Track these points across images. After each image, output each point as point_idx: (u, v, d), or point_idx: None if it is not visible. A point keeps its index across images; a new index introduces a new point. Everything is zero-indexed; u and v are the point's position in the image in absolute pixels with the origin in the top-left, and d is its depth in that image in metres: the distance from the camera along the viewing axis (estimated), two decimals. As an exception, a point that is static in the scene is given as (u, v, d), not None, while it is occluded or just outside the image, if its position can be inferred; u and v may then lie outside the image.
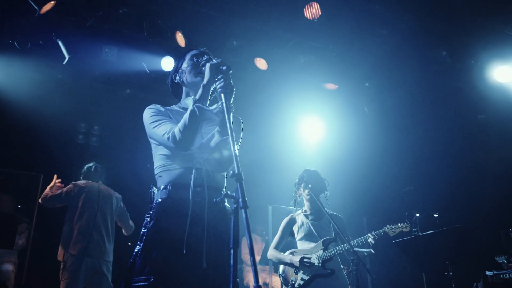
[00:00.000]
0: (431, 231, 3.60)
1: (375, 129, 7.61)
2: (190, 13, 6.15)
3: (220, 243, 2.43)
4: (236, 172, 1.98)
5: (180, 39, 6.20)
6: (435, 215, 4.25)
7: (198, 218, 2.38)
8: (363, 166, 7.66)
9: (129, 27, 5.99)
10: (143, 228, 2.40)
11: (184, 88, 2.75)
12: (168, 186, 2.44)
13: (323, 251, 4.26)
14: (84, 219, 5.05)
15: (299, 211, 4.61)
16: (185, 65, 2.73)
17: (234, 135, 2.10)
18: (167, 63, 6.51)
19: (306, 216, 4.53)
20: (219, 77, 2.37)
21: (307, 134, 7.87)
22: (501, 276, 3.65)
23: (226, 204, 2.58)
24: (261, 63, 6.63)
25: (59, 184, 5.23)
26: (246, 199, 1.93)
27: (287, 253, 4.45)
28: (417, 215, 4.21)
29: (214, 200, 2.25)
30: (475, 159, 6.98)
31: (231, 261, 1.89)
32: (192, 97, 2.48)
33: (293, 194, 4.67)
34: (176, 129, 2.36)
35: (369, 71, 6.96)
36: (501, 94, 6.71)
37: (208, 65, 2.44)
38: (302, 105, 7.43)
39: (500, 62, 6.44)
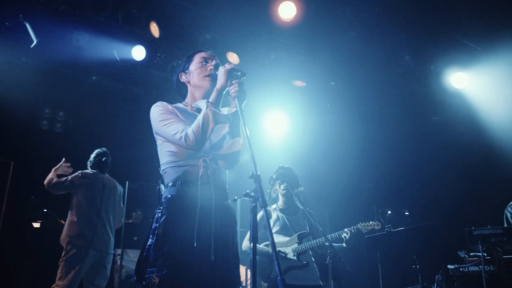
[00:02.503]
0: (403, 228, 3.88)
1: (337, 127, 7.92)
2: (165, 4, 6.15)
3: (225, 237, 2.57)
4: (255, 173, 2.13)
5: (155, 29, 6.18)
6: (406, 213, 4.55)
7: (206, 213, 2.50)
8: (325, 162, 7.95)
9: (103, 14, 5.90)
10: (155, 222, 2.48)
11: (190, 88, 2.82)
12: (177, 183, 2.54)
13: (298, 245, 4.47)
14: (89, 210, 5.02)
15: (274, 206, 4.79)
16: (193, 67, 2.80)
17: (248, 138, 2.24)
18: (138, 53, 6.47)
19: (281, 210, 4.71)
20: (233, 82, 2.48)
21: (271, 129, 8.05)
22: (461, 269, 3.99)
23: (229, 201, 2.70)
24: (233, 58, 6.72)
25: (66, 168, 5.11)
26: (265, 198, 2.08)
27: (262, 245, 4.62)
28: (389, 212, 4.50)
29: (234, 198, 2.37)
30: (430, 159, 7.44)
31: (251, 255, 2.04)
32: (206, 100, 2.57)
33: (269, 190, 4.84)
34: (190, 130, 2.46)
35: (336, 71, 7.22)
36: (455, 99, 7.19)
37: (223, 70, 2.53)
38: (269, 100, 7.60)
39: (457, 69, 6.89)
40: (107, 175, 5.40)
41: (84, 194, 5.09)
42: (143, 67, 6.98)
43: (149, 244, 2.44)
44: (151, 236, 2.46)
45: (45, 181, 5.04)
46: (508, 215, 4.46)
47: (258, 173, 2.14)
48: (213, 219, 2.50)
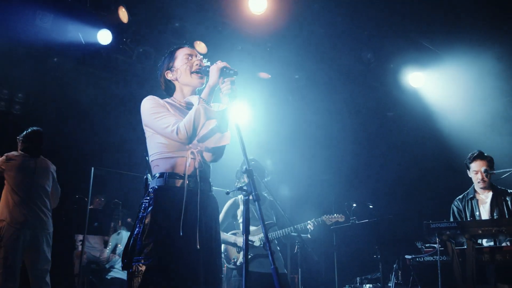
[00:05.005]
0: (367, 220, 4.11)
1: (299, 120, 8.12)
2: (135, -11, 6.09)
3: (209, 227, 2.68)
4: (248, 168, 2.24)
5: (123, 14, 6.10)
6: (370, 206, 4.79)
7: (191, 204, 2.59)
8: (286, 153, 8.14)
9: (71, -4, 5.77)
10: (142, 212, 2.54)
11: (178, 85, 2.88)
12: (165, 175, 2.61)
13: (265, 234, 4.62)
14: (20, 191, 4.93)
15: (241, 196, 4.91)
16: (178, 64, 2.85)
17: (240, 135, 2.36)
18: (104, 37, 6.38)
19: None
20: (225, 79, 2.58)
21: (234, 119, 8.12)
22: (417, 259, 4.29)
23: (213, 192, 2.81)
24: (200, 47, 6.73)
25: None
26: (257, 192, 2.21)
27: (229, 233, 4.75)
28: (354, 205, 4.72)
29: (227, 191, 2.47)
30: (387, 154, 7.80)
31: (244, 246, 2.17)
32: (198, 96, 2.65)
33: (236, 184, 4.93)
34: (181, 125, 2.53)
35: (300, 65, 7.39)
36: (411, 97, 7.56)
37: (215, 67, 2.61)
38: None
39: (415, 69, 7.24)
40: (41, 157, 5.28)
41: (13, 175, 4.98)
42: (108, 51, 6.86)
43: (136, 233, 2.51)
44: (138, 224, 2.52)
45: None
46: (455, 209, 4.79)
47: (251, 168, 2.27)
48: (198, 209, 2.59)
